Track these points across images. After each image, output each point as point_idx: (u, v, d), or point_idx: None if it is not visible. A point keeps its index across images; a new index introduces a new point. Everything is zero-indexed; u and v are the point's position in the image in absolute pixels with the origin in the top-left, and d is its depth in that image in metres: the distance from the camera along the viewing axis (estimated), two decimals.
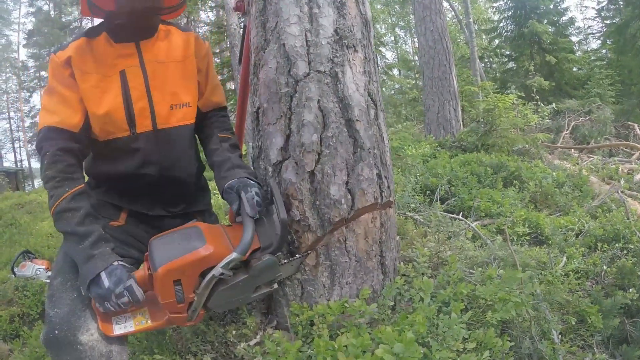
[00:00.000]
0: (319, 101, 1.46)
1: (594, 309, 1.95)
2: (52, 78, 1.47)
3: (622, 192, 4.50)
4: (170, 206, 1.64)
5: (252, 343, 1.52)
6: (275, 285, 1.43)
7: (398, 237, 1.81)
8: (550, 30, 13.76)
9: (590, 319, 1.94)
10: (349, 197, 1.48)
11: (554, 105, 9.29)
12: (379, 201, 1.56)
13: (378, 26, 20.23)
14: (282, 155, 1.52)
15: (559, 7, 15.26)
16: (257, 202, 1.35)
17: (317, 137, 1.45)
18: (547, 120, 8.95)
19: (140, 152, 1.50)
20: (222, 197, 1.48)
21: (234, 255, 1.21)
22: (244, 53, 1.93)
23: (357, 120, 1.48)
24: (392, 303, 1.59)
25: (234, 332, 1.59)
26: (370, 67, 1.59)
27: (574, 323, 1.93)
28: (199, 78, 1.64)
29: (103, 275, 1.27)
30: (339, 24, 1.51)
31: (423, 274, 1.84)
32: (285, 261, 1.44)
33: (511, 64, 15.56)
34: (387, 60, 19.49)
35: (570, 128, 8.40)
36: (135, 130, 1.49)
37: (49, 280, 3.41)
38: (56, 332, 1.30)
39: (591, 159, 6.91)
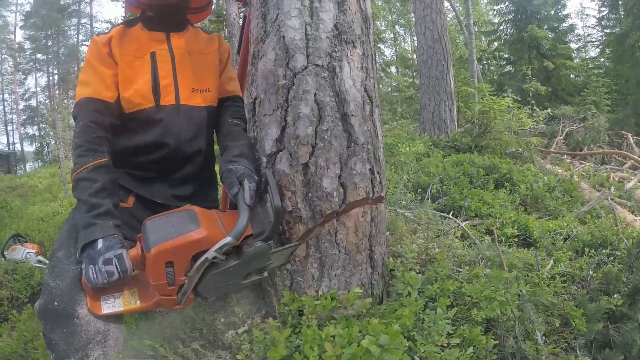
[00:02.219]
0: (315, 94, 1.47)
1: (578, 312, 1.97)
2: (91, 55, 1.60)
3: (612, 199, 4.56)
4: (177, 191, 1.69)
5: (240, 331, 1.54)
6: (265, 274, 1.44)
7: (388, 233, 1.83)
8: (549, 36, 13.83)
9: (574, 322, 1.96)
10: (341, 190, 1.50)
11: (549, 110, 9.35)
12: (371, 196, 1.58)
13: (378, 23, 20.20)
14: (277, 147, 1.53)
15: (559, 14, 15.35)
16: (252, 195, 1.38)
17: (312, 130, 1.47)
18: (542, 125, 9.01)
19: (163, 122, 1.60)
20: (221, 178, 1.51)
21: (228, 239, 1.23)
22: (243, 43, 1.95)
23: (352, 115, 1.50)
24: (379, 293, 1.62)
25: (222, 319, 1.60)
26: (368, 64, 1.61)
27: (558, 325, 1.96)
28: (219, 68, 1.78)
29: (99, 241, 1.31)
30: (339, 19, 1.52)
31: (411, 269, 1.86)
32: (276, 250, 1.45)
33: (509, 67, 15.63)
34: (385, 57, 19.51)
35: (564, 134, 8.46)
36: (160, 103, 1.60)
37: (38, 265, 3.41)
38: (55, 303, 1.31)
39: (583, 165, 6.98)
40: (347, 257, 1.56)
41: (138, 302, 1.33)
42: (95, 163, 1.45)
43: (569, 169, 6.30)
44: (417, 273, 1.87)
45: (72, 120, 1.63)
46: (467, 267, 2.12)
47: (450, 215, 3.57)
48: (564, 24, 15.17)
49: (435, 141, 6.67)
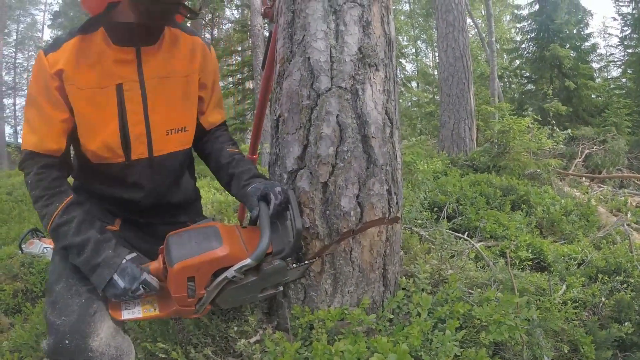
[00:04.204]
0: (338, 116, 1.52)
1: (588, 339, 1.96)
2: (37, 86, 1.34)
3: (628, 225, 4.50)
4: (165, 217, 1.65)
5: (252, 340, 1.58)
6: (281, 288, 1.48)
7: (402, 252, 1.86)
8: (572, 55, 13.70)
9: (583, 348, 1.95)
10: (358, 210, 1.54)
11: (569, 131, 9.25)
12: (387, 216, 1.62)
13: (400, 37, 20.26)
14: (298, 164, 1.58)
15: (582, 33, 15.19)
16: (275, 212, 1.39)
17: (333, 150, 1.51)
18: (562, 146, 8.91)
19: (134, 179, 1.47)
20: (242, 200, 1.52)
21: (248, 261, 1.26)
22: (268, 59, 2.00)
23: (372, 137, 1.54)
24: (391, 315, 1.65)
25: (235, 328, 1.65)
26: (390, 86, 1.65)
27: (566, 351, 1.95)
28: (202, 94, 1.58)
29: (115, 277, 1.27)
30: (363, 43, 1.57)
31: (423, 289, 1.89)
32: (293, 266, 1.49)
33: (530, 86, 15.51)
34: (406, 72, 19.51)
35: (583, 156, 8.35)
36: (130, 157, 1.43)
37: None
38: (66, 342, 1.24)
39: (601, 188, 6.89)
40: (361, 275, 1.60)
41: (157, 310, 1.37)
42: (63, 205, 1.34)
43: (587, 192, 6.22)
44: (429, 293, 1.90)
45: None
46: (479, 290, 2.12)
47: (465, 236, 3.57)
48: (587, 43, 15.01)
49: (454, 159, 6.65)
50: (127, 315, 1.36)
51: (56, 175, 1.38)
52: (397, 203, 1.67)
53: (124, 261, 1.30)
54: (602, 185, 7.15)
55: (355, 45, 1.56)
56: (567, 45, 14.38)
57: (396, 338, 1.42)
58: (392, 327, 1.59)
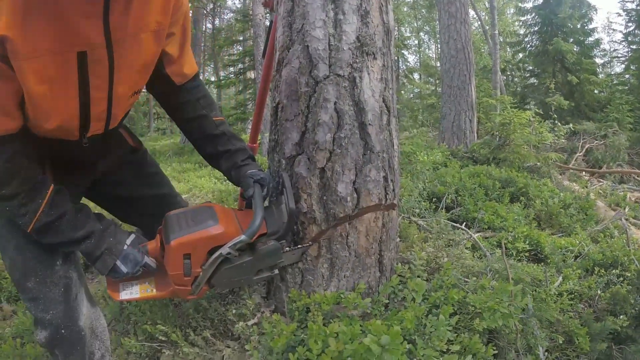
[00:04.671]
0: (335, 103, 1.54)
1: (583, 331, 1.98)
2: None
3: (626, 219, 4.52)
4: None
5: (250, 323, 1.61)
6: (276, 271, 1.50)
7: (398, 239, 1.89)
8: (575, 49, 13.64)
9: (578, 340, 1.98)
10: (355, 195, 1.57)
11: (571, 125, 9.25)
12: (383, 202, 1.65)
13: (403, 29, 20.19)
14: (296, 151, 1.60)
15: (585, 27, 15.11)
16: (267, 196, 1.44)
17: (331, 136, 1.54)
18: (563, 140, 8.92)
19: (85, 148, 1.31)
20: (235, 182, 1.52)
21: (242, 237, 1.28)
22: (268, 49, 2.01)
23: (369, 124, 1.57)
24: (387, 300, 1.68)
25: (233, 311, 1.68)
26: (388, 75, 1.67)
27: (561, 342, 1.98)
28: (170, 48, 1.32)
29: (118, 263, 1.30)
30: (361, 32, 1.58)
31: (419, 276, 1.92)
32: (289, 249, 1.52)
33: (533, 80, 15.46)
34: (408, 64, 19.45)
35: (584, 150, 8.35)
36: (86, 135, 1.27)
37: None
38: (62, 331, 1.38)
39: (601, 183, 6.91)
40: (357, 260, 1.63)
41: (154, 290, 1.40)
42: (47, 200, 1.18)
43: (586, 186, 6.24)
44: (424, 280, 1.93)
45: None
46: (475, 278, 2.15)
47: (463, 227, 3.60)
48: (590, 38, 14.92)
49: (454, 151, 6.67)
50: (125, 295, 1.39)
51: (26, 163, 1.15)
52: (393, 190, 1.69)
53: (126, 247, 1.32)
54: (601, 180, 7.17)
55: (354, 34, 1.57)
56: (571, 40, 14.31)
57: (390, 322, 1.45)
58: (388, 312, 1.62)
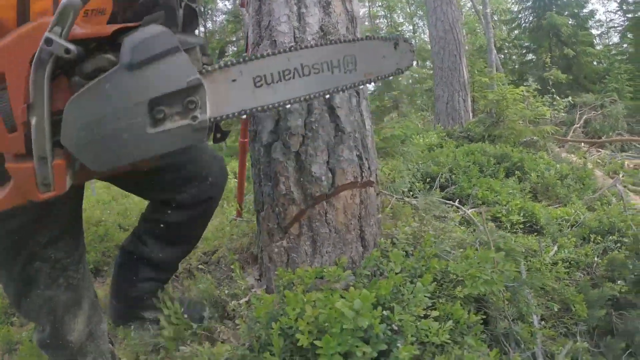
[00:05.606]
0: None
1: (579, 298, 1.99)
2: None
3: (624, 186, 4.53)
4: None
5: (241, 301, 1.73)
6: (198, 118, 0.90)
7: (379, 215, 1.98)
8: (570, 22, 13.53)
9: (574, 307, 1.98)
10: (330, 175, 1.67)
11: (570, 98, 9.23)
12: (359, 180, 1.74)
13: (395, 15, 20.11)
14: (272, 138, 1.71)
15: None
16: None
17: (302, 121, 1.64)
18: (563, 114, 8.91)
19: None
20: None
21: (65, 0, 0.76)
22: (247, 47, 2.11)
23: (338, 107, 1.67)
24: (368, 272, 1.77)
25: (226, 291, 1.80)
26: None
27: (556, 310, 1.99)
28: None
29: None
30: (324, 22, 1.68)
31: (403, 249, 2.00)
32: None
33: (530, 56, 15.38)
34: None
35: (582, 121, 8.32)
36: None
37: None
38: (48, 341, 1.43)
39: (600, 153, 6.92)
40: (337, 236, 1.73)
41: None
42: None
43: (585, 157, 6.24)
44: (408, 253, 2.01)
45: None
46: (461, 250, 2.17)
47: (456, 203, 3.66)
48: (585, 10, 14.79)
49: (450, 132, 6.70)
50: None
51: None
52: (369, 168, 1.79)
53: None
54: (600, 150, 7.16)
55: (317, 25, 1.68)
56: (566, 13, 14.19)
57: (369, 291, 1.54)
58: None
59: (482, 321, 1.76)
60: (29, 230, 1.23)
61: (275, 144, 1.69)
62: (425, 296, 1.57)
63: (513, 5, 16.76)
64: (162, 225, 1.65)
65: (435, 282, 1.80)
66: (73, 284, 1.42)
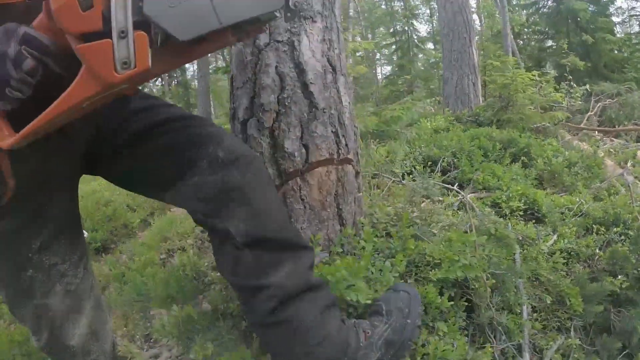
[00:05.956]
0: (276, 67, 1.66)
1: (574, 291, 1.91)
2: None
3: (635, 176, 4.35)
4: None
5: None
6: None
7: (360, 193, 1.97)
8: (590, 8, 13.03)
9: (570, 301, 1.90)
10: (303, 151, 1.68)
11: (587, 86, 8.96)
12: (335, 157, 1.74)
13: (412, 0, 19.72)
14: (248, 115, 1.73)
15: None
16: None
17: (275, 97, 1.66)
18: (579, 102, 8.67)
19: None
20: None
21: None
22: None
23: (311, 83, 1.67)
24: (341, 250, 1.78)
25: (206, 263, 1.84)
26: (332, 36, 1.76)
27: (549, 302, 1.92)
28: None
29: None
30: None
31: (384, 229, 1.98)
32: None
33: (549, 42, 14.91)
34: (419, 34, 19.02)
35: (597, 110, 8.05)
36: None
37: None
38: (49, 347, 1.33)
39: (613, 142, 6.72)
40: (312, 213, 1.73)
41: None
42: None
43: (597, 145, 6.05)
44: (387, 233, 1.99)
45: None
46: (446, 232, 2.10)
47: (456, 188, 3.61)
48: None
49: (458, 116, 6.59)
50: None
51: None
52: (346, 145, 1.79)
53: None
54: (614, 140, 6.95)
55: (290, 2, 1.68)
56: None
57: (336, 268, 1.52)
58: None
59: (464, 308, 1.73)
60: (19, 235, 1.10)
61: (250, 121, 1.71)
62: (393, 277, 1.57)
63: None
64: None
65: (412, 264, 1.79)
66: (72, 289, 1.28)
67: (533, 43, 16.47)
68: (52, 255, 1.18)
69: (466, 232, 2.36)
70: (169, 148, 1.13)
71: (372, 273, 1.59)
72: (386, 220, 2.05)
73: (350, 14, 18.44)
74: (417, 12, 18.72)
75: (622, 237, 2.56)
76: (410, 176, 3.75)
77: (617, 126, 7.77)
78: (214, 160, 1.11)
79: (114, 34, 0.70)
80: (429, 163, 4.25)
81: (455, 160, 4.28)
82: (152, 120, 1.14)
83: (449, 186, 3.62)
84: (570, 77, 9.12)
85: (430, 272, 1.69)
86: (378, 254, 1.78)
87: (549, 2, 14.60)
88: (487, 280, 1.80)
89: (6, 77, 0.71)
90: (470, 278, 1.71)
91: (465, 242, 1.79)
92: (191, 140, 1.13)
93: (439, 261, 1.74)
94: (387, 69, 20.93)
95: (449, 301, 1.60)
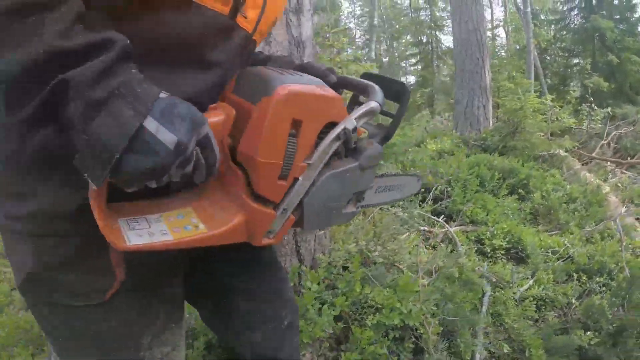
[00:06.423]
0: None
1: (537, 342, 1.88)
2: None
3: (637, 217, 4.14)
4: None
5: None
6: (359, 208, 1.06)
7: (322, 232, 2.01)
8: (619, 27, 12.60)
9: (530, 352, 1.86)
10: None
11: (609, 109, 8.66)
12: None
13: (436, 10, 19.38)
14: None
15: (631, 1, 13.81)
16: None
17: None
18: (600, 125, 8.39)
19: (216, 57, 0.78)
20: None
21: (373, 103, 0.88)
22: None
23: None
24: (292, 284, 1.81)
25: None
26: None
27: (505, 351, 1.91)
28: None
29: (151, 122, 0.60)
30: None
31: (342, 266, 1.99)
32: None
33: (575, 60, 14.54)
34: (442, 46, 18.75)
35: (610, 137, 7.70)
36: (234, 17, 0.78)
37: None
38: None
39: (625, 175, 6.45)
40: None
41: (201, 225, 0.78)
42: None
43: (605, 179, 5.77)
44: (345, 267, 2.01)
45: None
46: (399, 274, 2.13)
47: (441, 220, 3.59)
48: (636, 15, 13.67)
49: (465, 138, 6.52)
50: (137, 239, 0.72)
51: None
52: None
53: (163, 94, 0.63)
54: (625, 172, 6.69)
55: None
56: (618, 16, 13.21)
57: None
58: None
59: (411, 350, 1.78)
60: (127, 331, 0.87)
61: None
62: (327, 321, 1.61)
63: (560, 5, 15.81)
64: None
65: (358, 304, 1.82)
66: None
67: (559, 59, 16.09)
68: (164, 345, 0.95)
69: (431, 273, 2.36)
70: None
71: (312, 314, 1.63)
72: (345, 257, 2.07)
73: (375, 22, 18.34)
74: (440, 23, 18.49)
75: (603, 288, 2.53)
76: (400, 204, 3.74)
77: (630, 156, 7.48)
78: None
79: (280, 209, 0.81)
80: (422, 190, 4.22)
81: (449, 189, 4.24)
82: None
83: (435, 218, 3.61)
84: (592, 99, 8.81)
85: (368, 318, 1.73)
86: (323, 295, 1.81)
87: (578, 18, 14.21)
88: (435, 326, 1.84)
89: (167, 169, 0.63)
90: (413, 324, 1.75)
91: (410, 290, 1.82)
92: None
93: (380, 306, 1.78)
94: (412, 78, 20.75)
95: (394, 342, 1.66)
